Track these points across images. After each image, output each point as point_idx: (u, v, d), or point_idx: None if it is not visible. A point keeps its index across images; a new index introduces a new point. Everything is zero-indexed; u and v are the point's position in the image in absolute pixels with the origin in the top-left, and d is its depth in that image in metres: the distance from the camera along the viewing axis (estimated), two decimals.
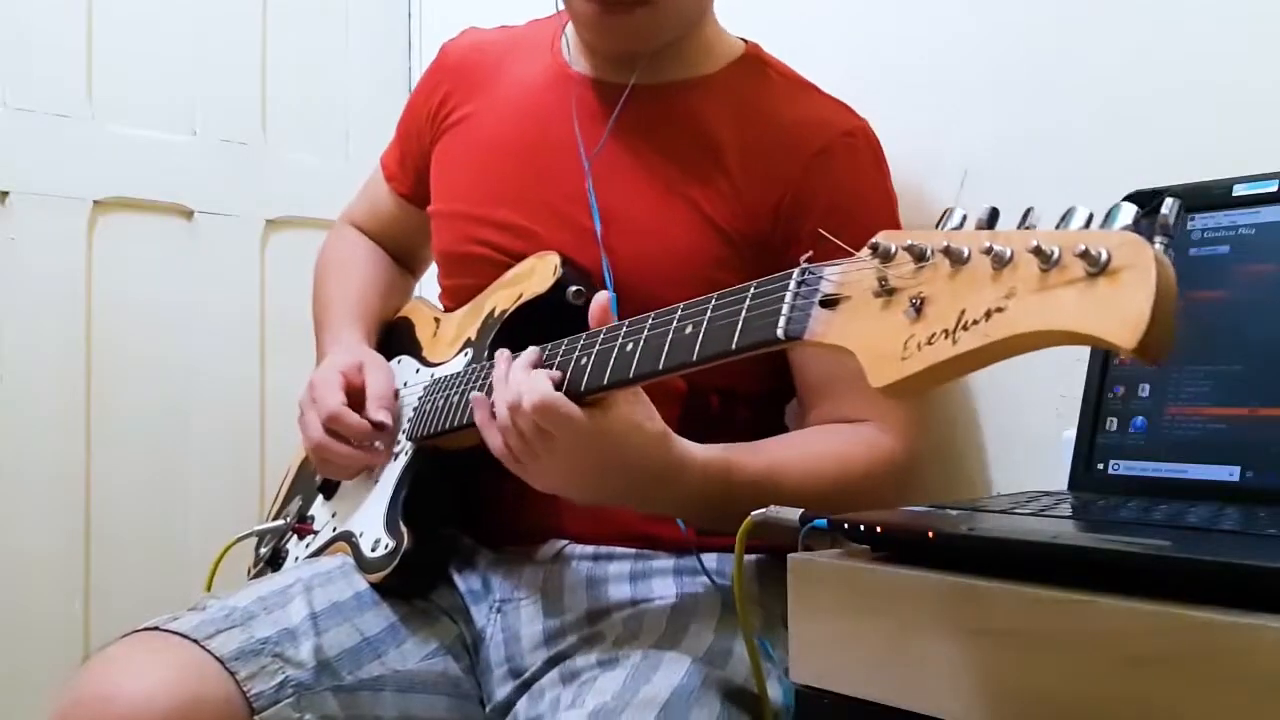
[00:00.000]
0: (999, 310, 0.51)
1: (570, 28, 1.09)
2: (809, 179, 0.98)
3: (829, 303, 0.62)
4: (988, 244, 0.53)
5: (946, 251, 0.55)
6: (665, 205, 1.00)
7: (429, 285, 1.27)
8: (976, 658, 0.59)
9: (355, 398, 1.04)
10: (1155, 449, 0.81)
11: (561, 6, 1.05)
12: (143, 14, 1.52)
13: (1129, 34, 1.06)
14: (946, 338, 0.53)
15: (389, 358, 1.16)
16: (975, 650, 0.59)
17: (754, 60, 1.08)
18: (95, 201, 1.47)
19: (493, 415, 0.84)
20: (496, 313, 1.01)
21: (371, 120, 1.41)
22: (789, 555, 0.69)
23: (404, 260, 1.30)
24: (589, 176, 1.02)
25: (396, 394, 1.08)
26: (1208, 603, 0.52)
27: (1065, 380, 0.94)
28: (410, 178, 1.22)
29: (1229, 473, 0.77)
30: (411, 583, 0.97)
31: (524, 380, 0.81)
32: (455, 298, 1.11)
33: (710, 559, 0.98)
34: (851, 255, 0.62)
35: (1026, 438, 1.09)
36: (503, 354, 0.86)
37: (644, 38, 1.01)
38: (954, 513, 0.71)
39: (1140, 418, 0.83)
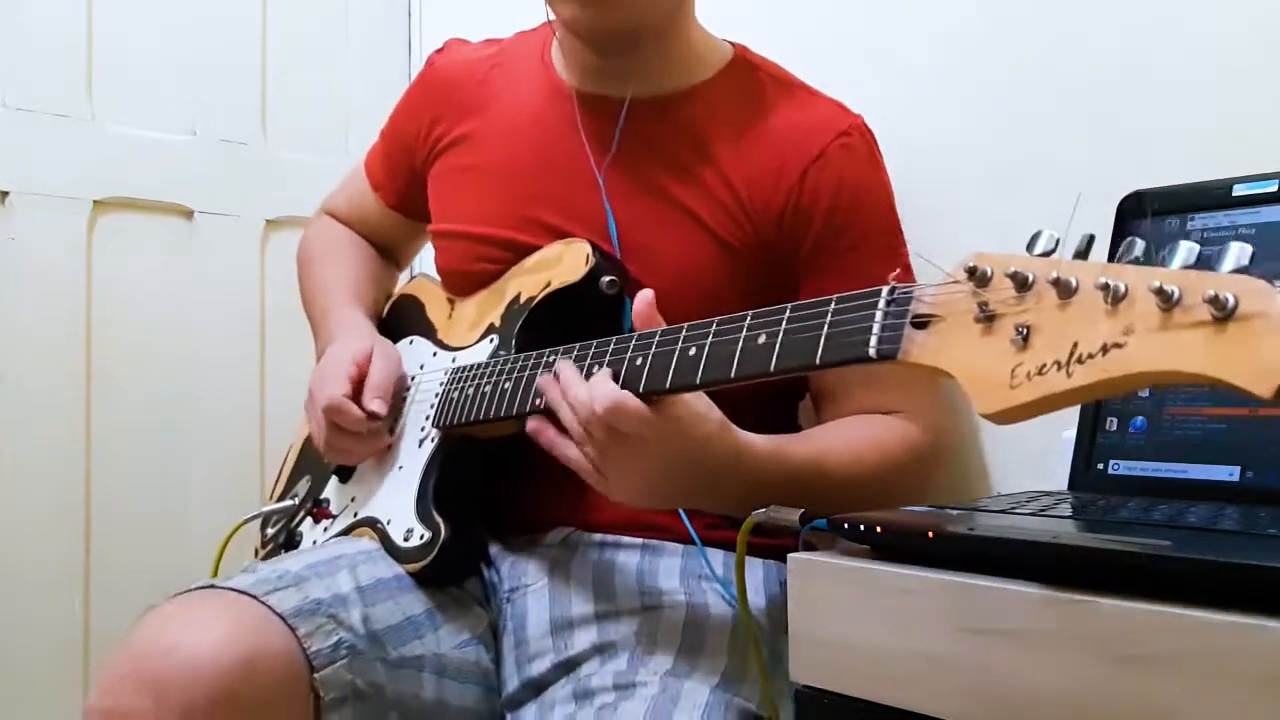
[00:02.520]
0: (1117, 346, 0.51)
1: (558, 41, 1.08)
2: (809, 185, 0.98)
3: (920, 323, 0.62)
4: (1102, 279, 0.52)
5: (1055, 282, 0.54)
6: (670, 223, 1.00)
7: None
8: (976, 658, 0.59)
9: (360, 386, 1.03)
10: (1155, 449, 0.81)
11: (551, 16, 1.04)
12: (143, 14, 1.52)
13: (1129, 34, 1.06)
14: (1060, 369, 0.53)
15: (398, 338, 1.15)
16: (975, 650, 0.59)
17: (743, 64, 1.07)
18: (95, 201, 1.47)
19: (561, 432, 0.84)
20: (522, 299, 1.00)
21: (371, 120, 1.40)
22: (789, 555, 0.69)
23: (388, 254, 1.31)
24: (604, 195, 1.01)
25: (412, 377, 1.07)
26: (1208, 603, 0.52)
27: None
28: (398, 189, 1.22)
29: (1229, 473, 0.77)
30: (449, 572, 0.96)
31: (587, 389, 0.80)
32: None
33: (715, 558, 0.98)
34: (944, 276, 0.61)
35: (1026, 438, 1.08)
36: (547, 380, 0.85)
37: (626, 10, 0.97)
38: (954, 513, 0.71)
39: (1140, 418, 0.83)
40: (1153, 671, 0.53)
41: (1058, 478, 0.86)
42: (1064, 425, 0.90)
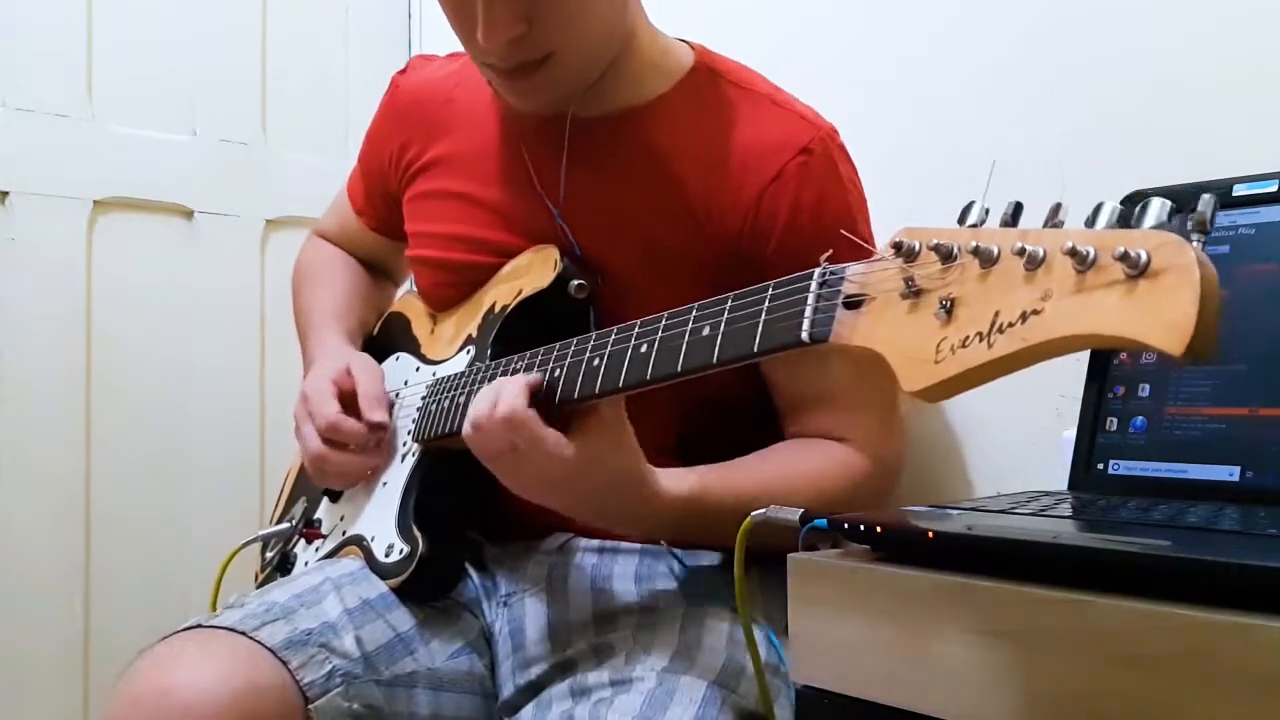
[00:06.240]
0: (1035, 313, 0.50)
1: None
2: (765, 208, 0.94)
3: (852, 303, 0.61)
4: (1019, 244, 0.52)
5: (975, 251, 0.54)
6: (630, 249, 0.98)
7: None
8: (976, 658, 0.59)
9: (348, 402, 1.03)
10: (1155, 449, 0.81)
11: None
12: (143, 14, 1.52)
13: (1129, 34, 1.06)
14: (981, 340, 0.52)
15: (386, 354, 1.15)
16: (975, 650, 0.59)
17: (705, 72, 1.01)
18: (95, 201, 1.47)
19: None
20: (497, 309, 1.01)
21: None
22: (789, 555, 0.69)
23: (380, 272, 1.31)
24: (561, 220, 1.00)
25: (396, 393, 1.08)
26: (1208, 603, 0.52)
27: (1065, 380, 0.94)
28: (379, 213, 1.22)
29: (1229, 473, 0.77)
30: (429, 586, 0.96)
31: (503, 387, 0.81)
32: None
33: (713, 557, 0.98)
34: (872, 253, 0.61)
35: (1026, 438, 1.09)
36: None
37: (557, 92, 0.97)
38: (954, 513, 0.71)
39: (1140, 418, 0.83)
40: (1153, 671, 0.53)
41: (1058, 478, 0.86)
42: (1064, 425, 0.90)
